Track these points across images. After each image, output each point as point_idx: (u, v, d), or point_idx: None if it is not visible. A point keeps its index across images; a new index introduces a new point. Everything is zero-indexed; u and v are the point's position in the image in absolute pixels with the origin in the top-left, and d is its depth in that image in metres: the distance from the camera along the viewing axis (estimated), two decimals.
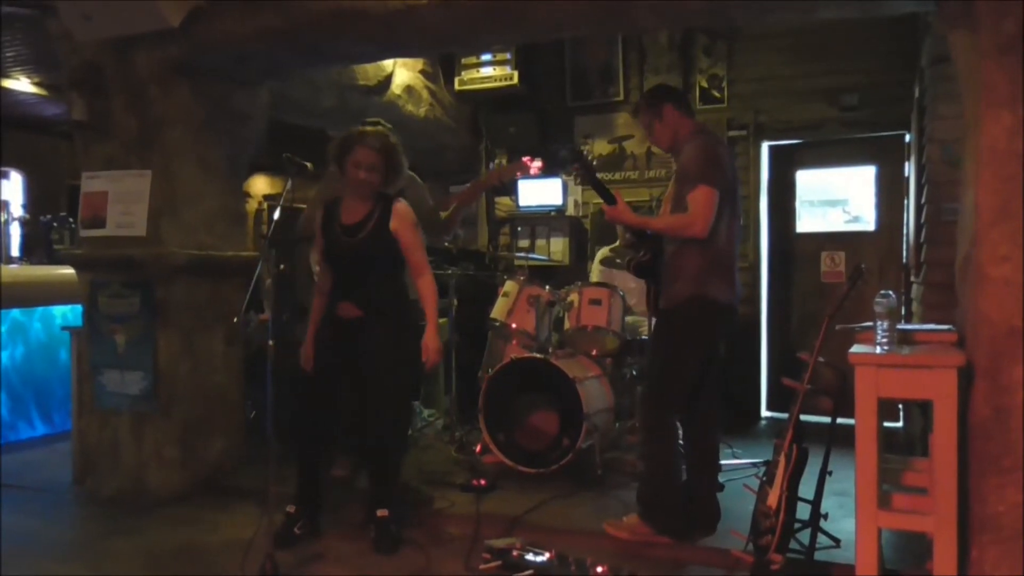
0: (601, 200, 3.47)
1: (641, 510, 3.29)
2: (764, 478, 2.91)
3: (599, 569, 2.88)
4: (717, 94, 5.96)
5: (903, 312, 4.95)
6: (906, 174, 5.31)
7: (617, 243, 5.34)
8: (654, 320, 3.50)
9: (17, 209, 7.01)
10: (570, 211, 6.53)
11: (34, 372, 5.33)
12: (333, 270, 3.38)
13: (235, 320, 2.95)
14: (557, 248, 6.41)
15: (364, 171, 3.24)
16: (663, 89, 3.56)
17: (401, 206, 3.35)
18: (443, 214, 4.22)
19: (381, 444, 3.37)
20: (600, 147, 6.36)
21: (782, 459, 2.79)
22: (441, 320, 5.55)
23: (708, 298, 3.17)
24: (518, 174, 4.22)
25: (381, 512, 3.32)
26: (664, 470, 3.28)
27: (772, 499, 2.76)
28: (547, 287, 4.61)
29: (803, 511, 2.87)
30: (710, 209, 3.10)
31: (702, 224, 3.11)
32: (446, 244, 4.99)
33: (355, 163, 3.24)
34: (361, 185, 3.26)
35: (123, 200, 4.02)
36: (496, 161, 6.71)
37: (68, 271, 4.47)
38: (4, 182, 7.61)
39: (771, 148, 5.99)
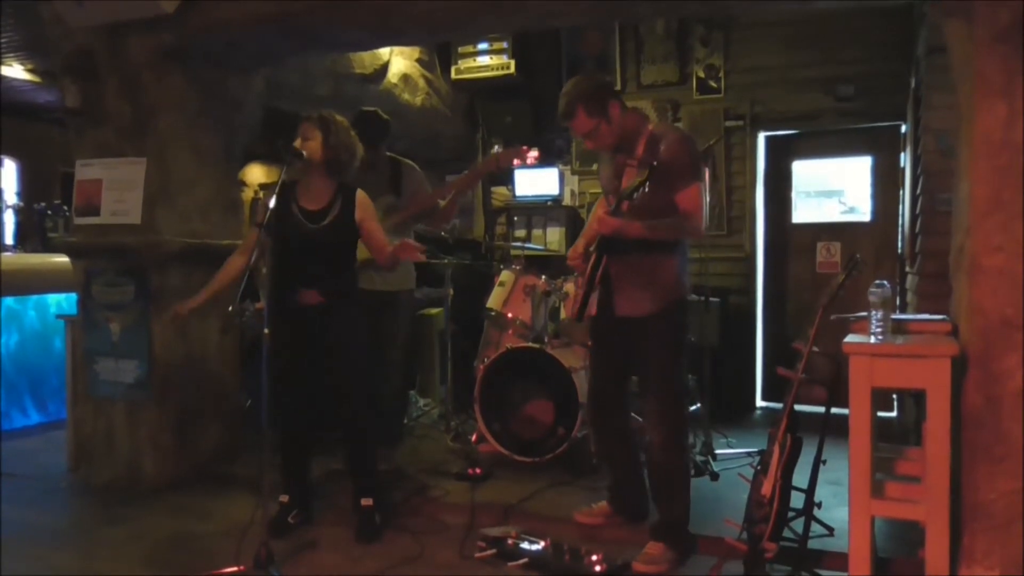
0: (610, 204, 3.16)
1: (671, 534, 3.05)
2: (759, 467, 2.91)
3: (593, 557, 2.89)
4: (714, 84, 5.95)
5: (898, 302, 4.97)
6: (902, 164, 5.32)
7: None
8: (621, 326, 3.17)
9: (11, 197, 6.98)
10: (566, 201, 6.52)
11: (29, 360, 5.32)
12: (286, 254, 3.23)
13: (230, 309, 2.94)
14: (553, 238, 6.40)
15: (300, 140, 3.23)
16: (604, 86, 3.14)
17: (363, 196, 3.34)
18: (441, 202, 4.21)
19: (359, 433, 3.37)
20: None
21: (776, 448, 2.80)
22: (437, 309, 5.59)
23: (685, 299, 3.12)
24: (516, 161, 4.19)
25: (365, 501, 3.33)
26: (689, 482, 3.14)
27: (766, 488, 2.77)
28: (543, 277, 4.61)
29: (797, 500, 2.88)
30: (705, 205, 3.00)
31: (703, 223, 3.01)
32: (443, 233, 4.99)
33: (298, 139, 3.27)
34: (306, 157, 3.22)
35: (117, 188, 4.00)
36: (494, 149, 6.70)
37: (62, 259, 4.46)
38: None
39: (767, 138, 5.98)
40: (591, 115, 3.02)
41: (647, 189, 2.94)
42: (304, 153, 3.19)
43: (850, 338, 2.65)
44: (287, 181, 3.28)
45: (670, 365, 3.08)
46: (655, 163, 2.94)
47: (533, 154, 4.19)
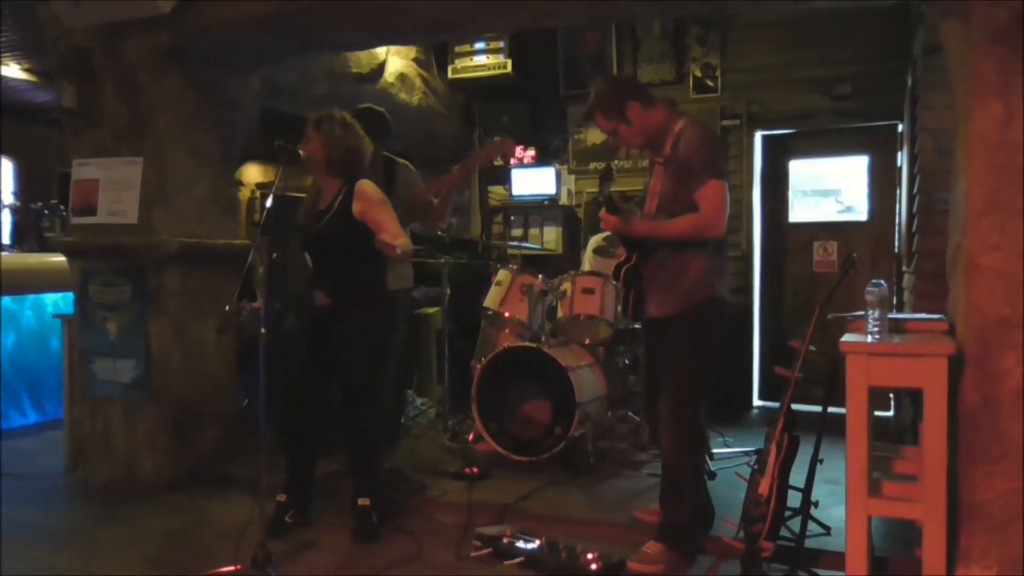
0: (605, 204, 3.15)
1: (670, 536, 3.01)
2: (756, 466, 2.92)
3: (589, 556, 2.89)
4: (711, 83, 5.95)
5: (894, 301, 4.98)
6: (899, 164, 5.33)
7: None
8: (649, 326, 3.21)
9: (8, 197, 6.97)
10: (563, 200, 6.54)
11: (25, 360, 5.30)
12: (310, 257, 3.42)
13: (227, 308, 2.93)
14: (550, 237, 6.41)
15: (301, 145, 3.23)
16: (621, 89, 3.09)
17: (363, 185, 3.27)
18: (435, 200, 4.20)
19: (361, 434, 3.37)
20: (593, 136, 6.35)
21: (773, 448, 2.80)
22: (434, 309, 5.59)
23: (717, 298, 3.03)
24: (511, 160, 4.20)
25: (363, 501, 3.33)
26: (698, 487, 3.10)
27: (763, 487, 2.77)
28: (540, 276, 4.60)
29: (794, 499, 2.89)
30: (725, 204, 2.91)
31: (723, 222, 2.92)
32: (440, 232, 4.98)
33: None
34: (304, 157, 3.22)
35: (114, 188, 4.00)
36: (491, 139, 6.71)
37: (59, 259, 4.45)
38: None
39: (764, 138, 5.99)
40: (608, 119, 3.07)
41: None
42: (301, 154, 3.20)
43: (847, 337, 2.65)
44: (313, 186, 3.38)
45: (687, 368, 3.01)
46: (661, 160, 2.99)
47: (530, 154, 4.19)
